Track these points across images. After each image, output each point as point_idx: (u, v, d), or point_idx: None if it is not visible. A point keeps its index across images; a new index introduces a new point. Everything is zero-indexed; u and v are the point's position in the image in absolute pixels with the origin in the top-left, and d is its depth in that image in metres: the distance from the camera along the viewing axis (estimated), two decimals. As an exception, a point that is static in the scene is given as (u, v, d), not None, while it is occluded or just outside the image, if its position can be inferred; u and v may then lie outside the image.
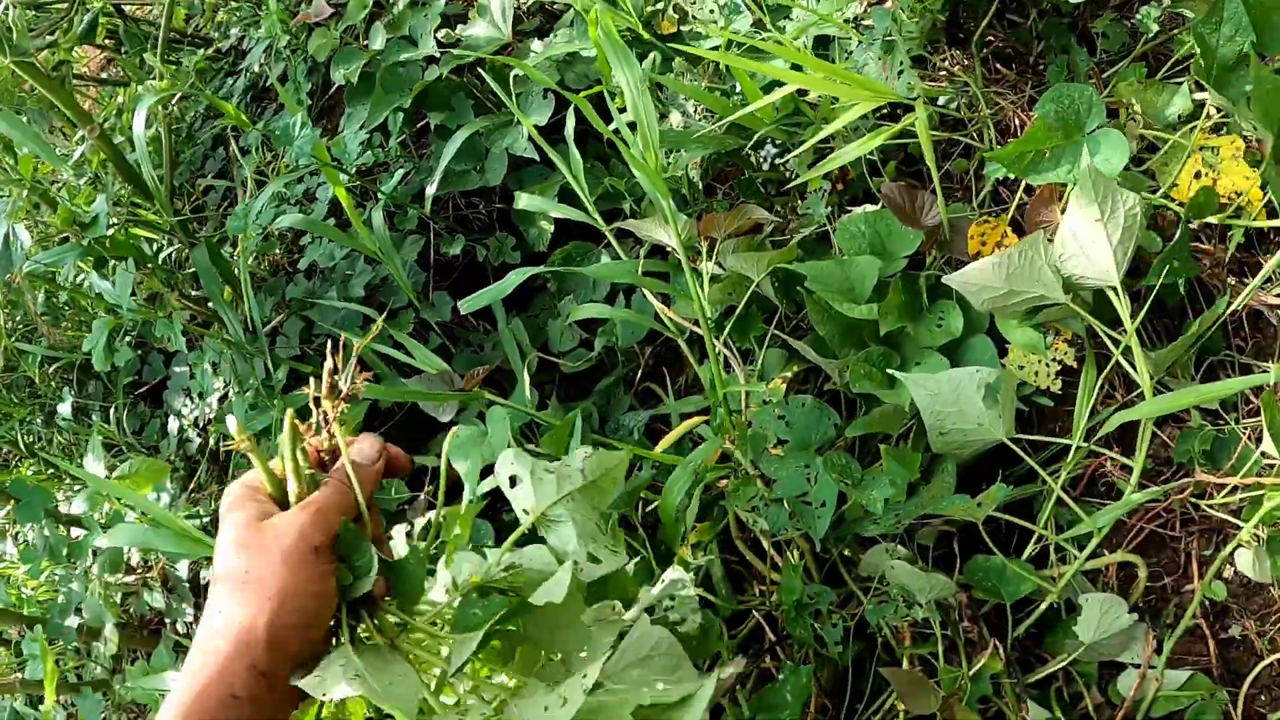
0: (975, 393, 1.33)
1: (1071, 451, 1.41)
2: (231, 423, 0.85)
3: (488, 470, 1.56)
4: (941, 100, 1.62)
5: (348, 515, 0.84)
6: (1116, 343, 1.37)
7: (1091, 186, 1.27)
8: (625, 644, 0.91)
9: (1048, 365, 1.44)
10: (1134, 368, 1.35)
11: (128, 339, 2.05)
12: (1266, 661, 1.39)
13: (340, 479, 0.85)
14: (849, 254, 1.43)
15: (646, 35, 1.76)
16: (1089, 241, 1.29)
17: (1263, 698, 1.41)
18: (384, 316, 1.76)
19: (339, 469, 0.86)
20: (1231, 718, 1.39)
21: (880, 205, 1.49)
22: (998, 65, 1.74)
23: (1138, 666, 1.41)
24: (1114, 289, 1.31)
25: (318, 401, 0.88)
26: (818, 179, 1.57)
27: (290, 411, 0.86)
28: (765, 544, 1.49)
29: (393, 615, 0.88)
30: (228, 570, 0.80)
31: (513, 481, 0.98)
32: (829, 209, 1.56)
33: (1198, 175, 1.42)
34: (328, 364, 0.87)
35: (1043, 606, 1.43)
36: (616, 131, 1.54)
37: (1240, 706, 1.39)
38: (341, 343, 0.90)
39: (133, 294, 1.73)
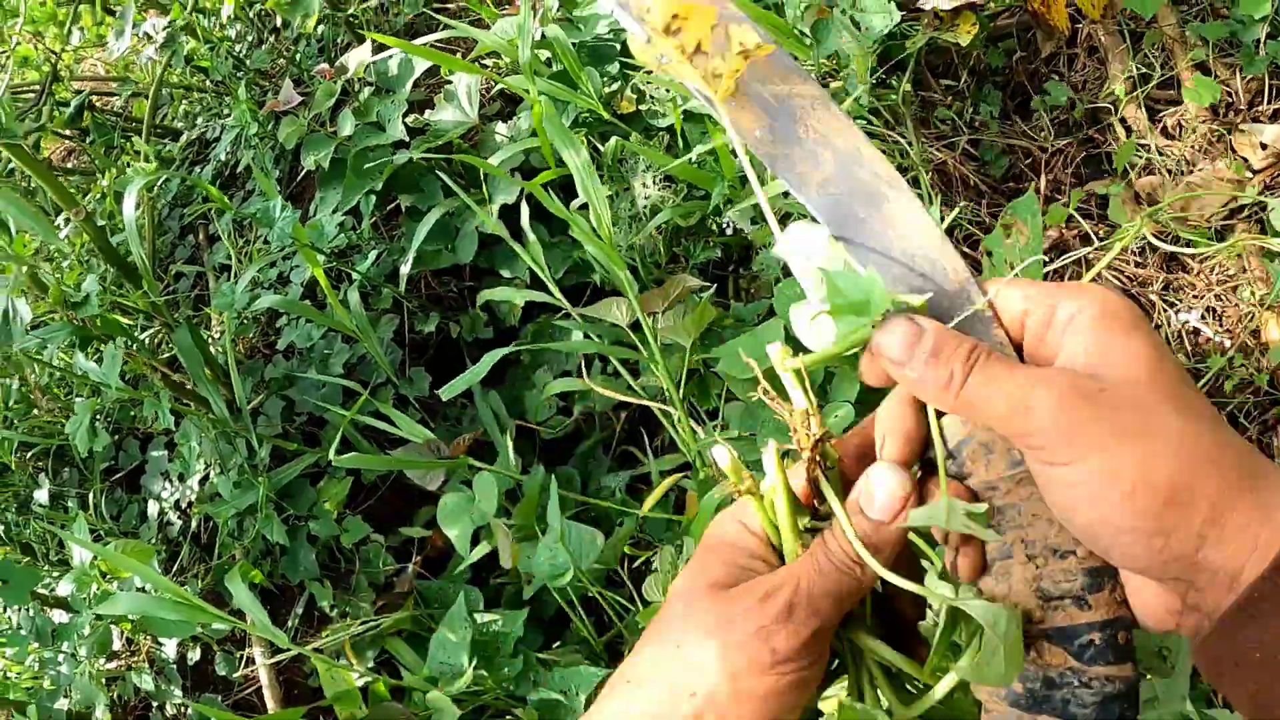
0: None
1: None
2: (722, 455, 0.67)
3: (475, 536, 1.74)
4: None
5: (845, 600, 0.64)
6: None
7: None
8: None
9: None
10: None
11: (105, 424, 2.20)
12: None
13: (828, 552, 0.64)
14: (785, 315, 1.62)
15: (607, 115, 1.97)
16: None
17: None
18: (368, 391, 1.94)
19: (829, 533, 0.65)
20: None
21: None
22: (936, 122, 1.97)
23: None
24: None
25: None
26: (765, 234, 1.77)
27: (774, 446, 0.67)
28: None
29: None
30: (659, 634, 0.66)
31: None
32: (779, 269, 1.76)
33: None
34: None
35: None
36: (583, 208, 1.74)
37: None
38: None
39: (120, 375, 1.88)
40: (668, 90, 1.99)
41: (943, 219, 1.66)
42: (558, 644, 1.78)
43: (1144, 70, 1.94)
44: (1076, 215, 1.79)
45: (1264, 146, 1.86)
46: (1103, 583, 0.61)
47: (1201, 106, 1.85)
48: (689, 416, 1.73)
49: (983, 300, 0.64)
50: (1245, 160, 1.86)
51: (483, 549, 1.72)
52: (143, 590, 1.86)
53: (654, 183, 1.90)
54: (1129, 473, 0.56)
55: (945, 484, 0.63)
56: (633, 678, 0.65)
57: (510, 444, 1.87)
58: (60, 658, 1.94)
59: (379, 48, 2.31)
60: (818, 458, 0.66)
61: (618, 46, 2.04)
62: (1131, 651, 0.62)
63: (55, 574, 2.10)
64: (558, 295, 1.83)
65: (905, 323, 0.61)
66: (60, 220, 2.16)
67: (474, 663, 1.58)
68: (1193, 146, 1.88)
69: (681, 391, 1.72)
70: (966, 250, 1.86)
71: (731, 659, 0.62)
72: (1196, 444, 0.57)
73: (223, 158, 2.55)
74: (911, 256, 0.65)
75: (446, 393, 1.73)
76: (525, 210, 1.93)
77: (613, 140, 1.94)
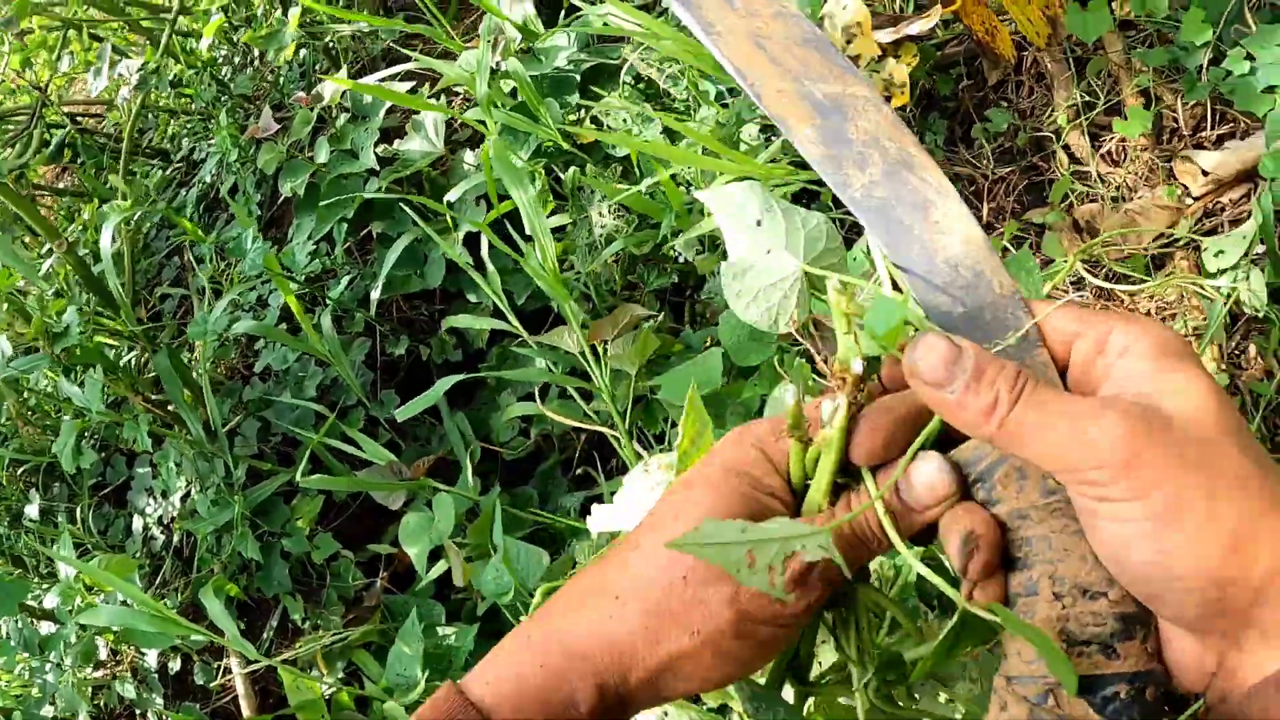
0: None
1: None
2: (789, 395, 0.64)
3: (435, 554, 1.83)
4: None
5: (854, 568, 0.62)
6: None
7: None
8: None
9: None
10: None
11: (92, 442, 2.30)
12: None
13: (851, 521, 0.62)
14: (729, 344, 1.70)
15: (566, 145, 2.05)
16: None
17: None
18: (336, 414, 2.03)
19: (855, 500, 0.63)
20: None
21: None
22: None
23: None
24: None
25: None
26: (711, 262, 1.85)
27: (844, 401, 0.61)
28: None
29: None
30: (656, 553, 0.62)
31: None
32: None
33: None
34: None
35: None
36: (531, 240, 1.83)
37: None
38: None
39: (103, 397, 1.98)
40: (625, 120, 2.07)
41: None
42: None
43: (1089, 99, 2.00)
44: (1010, 247, 1.87)
45: (1205, 173, 1.92)
46: (1134, 630, 0.57)
47: (1140, 135, 1.91)
48: (636, 441, 1.82)
49: (1029, 320, 0.60)
50: (1185, 187, 1.92)
51: (441, 567, 1.81)
52: (125, 604, 1.96)
53: (609, 212, 1.98)
54: (1193, 514, 0.52)
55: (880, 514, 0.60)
56: (620, 593, 0.62)
57: (470, 465, 1.96)
58: (47, 667, 2.05)
59: (351, 77, 2.40)
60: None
61: (578, 78, 2.12)
62: (1161, 709, 0.57)
63: (45, 586, 2.21)
64: (515, 323, 1.92)
65: (942, 341, 0.57)
66: (44, 251, 2.26)
67: (427, 674, 1.68)
68: (1134, 173, 1.95)
69: (628, 417, 1.81)
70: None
71: (742, 607, 0.60)
72: (1262, 488, 0.53)
73: (208, 180, 2.64)
74: (955, 267, 0.62)
75: (402, 414, 1.82)
76: (485, 242, 2.02)
77: (570, 170, 2.02)
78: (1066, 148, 2.00)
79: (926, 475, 0.60)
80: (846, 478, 0.64)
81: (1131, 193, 1.96)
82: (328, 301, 2.18)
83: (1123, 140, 1.98)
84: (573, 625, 0.63)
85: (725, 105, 1.95)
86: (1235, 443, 0.54)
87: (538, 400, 1.90)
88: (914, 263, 0.62)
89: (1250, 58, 1.86)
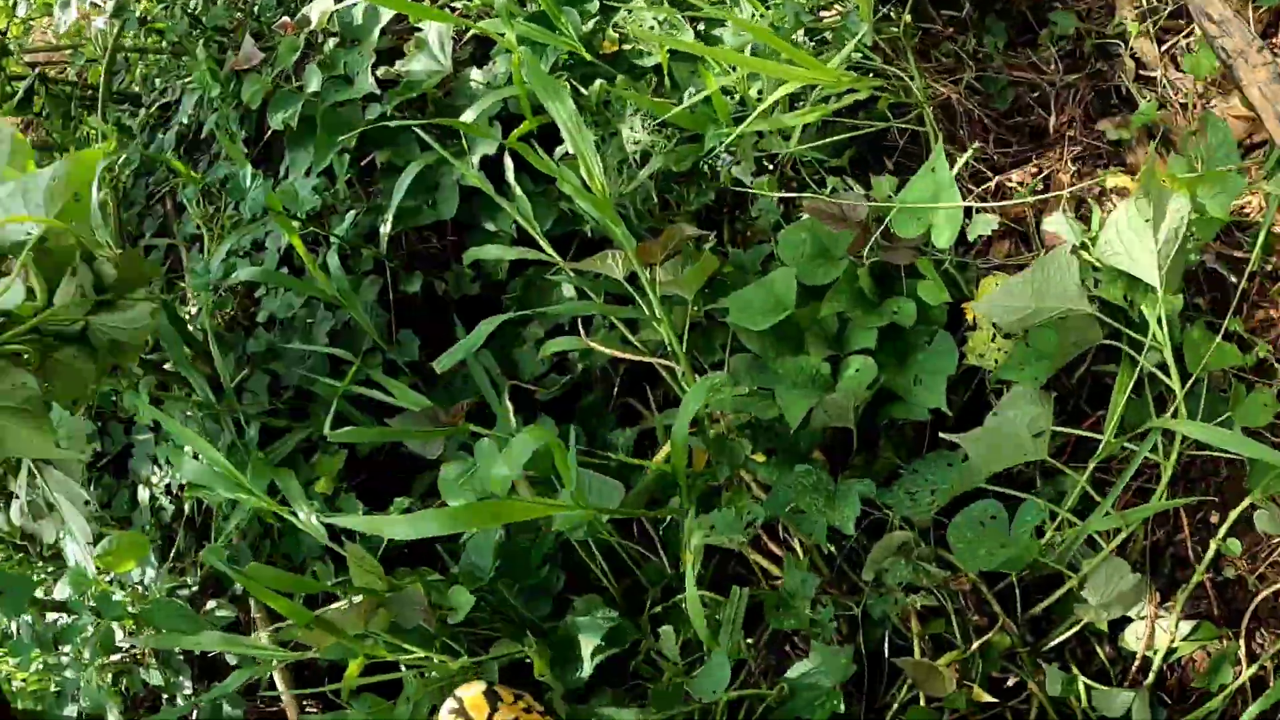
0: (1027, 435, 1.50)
1: (1101, 446, 1.55)
2: None
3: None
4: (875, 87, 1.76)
5: None
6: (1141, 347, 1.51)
7: (1145, 187, 1.40)
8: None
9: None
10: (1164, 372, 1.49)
11: (87, 409, 2.15)
12: (1260, 596, 1.55)
13: None
14: (792, 262, 1.58)
15: (589, 57, 1.89)
16: (1132, 241, 1.43)
17: (1261, 632, 1.56)
18: (358, 359, 1.89)
19: None
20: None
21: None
22: (939, 56, 1.91)
23: (1144, 618, 1.57)
24: (1153, 289, 1.44)
25: None
26: (771, 185, 1.71)
27: None
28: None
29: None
30: None
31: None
32: (779, 213, 1.72)
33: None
34: None
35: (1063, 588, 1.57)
36: (567, 156, 1.68)
37: (1241, 643, 1.54)
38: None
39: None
40: (652, 27, 1.92)
41: (952, 162, 1.61)
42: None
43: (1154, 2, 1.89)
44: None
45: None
46: None
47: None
48: (692, 370, 1.69)
49: None
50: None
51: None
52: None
53: (643, 127, 1.83)
54: None
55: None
56: None
57: (510, 407, 1.84)
58: (64, 661, 1.91)
59: None
60: None
61: (595, -18, 1.96)
62: None
63: (49, 569, 2.06)
64: (549, 251, 1.78)
65: None
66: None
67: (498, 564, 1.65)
68: (1206, 78, 1.83)
69: (685, 345, 1.68)
70: (970, 187, 1.79)
71: None
72: None
73: (185, 121, 2.46)
74: None
75: (441, 365, 1.70)
76: (509, 163, 1.87)
77: (597, 83, 1.86)
78: (1133, 54, 1.87)
79: None
80: None
81: (1203, 100, 1.84)
82: (332, 240, 2.02)
83: (1191, 46, 1.86)
84: None
85: (769, 7, 1.79)
86: None
87: (580, 330, 1.77)
88: None
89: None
